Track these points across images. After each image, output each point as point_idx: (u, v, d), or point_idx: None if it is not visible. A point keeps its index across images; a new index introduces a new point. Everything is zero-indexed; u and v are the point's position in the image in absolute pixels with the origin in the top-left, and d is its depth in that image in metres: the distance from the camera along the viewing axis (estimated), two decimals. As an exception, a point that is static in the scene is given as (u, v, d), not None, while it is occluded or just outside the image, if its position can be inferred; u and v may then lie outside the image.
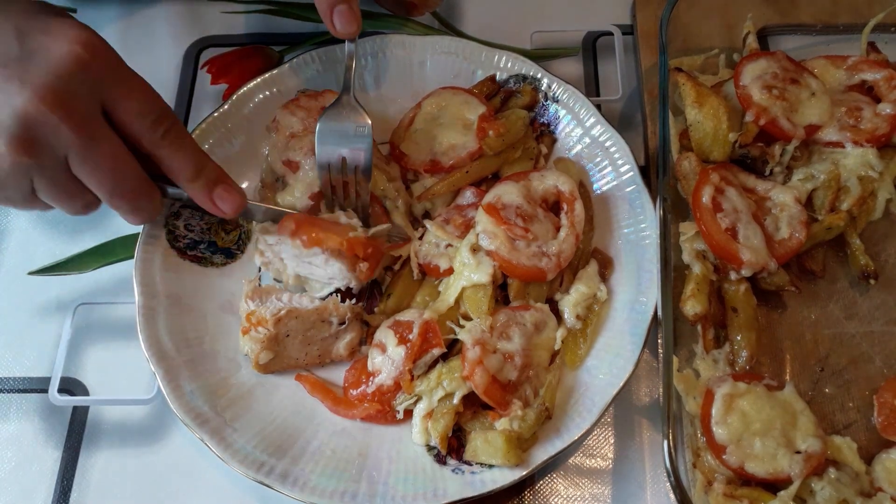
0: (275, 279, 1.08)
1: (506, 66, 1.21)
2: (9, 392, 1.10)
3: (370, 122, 1.05)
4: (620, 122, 1.27)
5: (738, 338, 1.02)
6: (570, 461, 1.03)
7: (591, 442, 1.04)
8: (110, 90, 0.85)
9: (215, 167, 0.97)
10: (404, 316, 1.04)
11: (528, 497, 1.01)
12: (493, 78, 1.21)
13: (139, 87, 0.88)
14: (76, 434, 1.07)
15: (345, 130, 1.05)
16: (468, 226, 1.07)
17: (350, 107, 1.06)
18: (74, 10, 1.41)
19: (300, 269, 1.05)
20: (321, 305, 1.03)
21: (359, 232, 1.04)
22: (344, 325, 1.04)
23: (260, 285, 1.06)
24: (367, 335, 1.08)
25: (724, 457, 0.91)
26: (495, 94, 1.20)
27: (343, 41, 1.12)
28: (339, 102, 1.07)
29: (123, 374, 1.10)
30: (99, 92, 0.84)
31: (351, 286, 1.06)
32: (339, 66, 1.21)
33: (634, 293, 1.04)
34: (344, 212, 1.07)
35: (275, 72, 1.19)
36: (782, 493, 0.90)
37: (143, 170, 0.90)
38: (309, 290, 1.07)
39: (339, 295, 1.06)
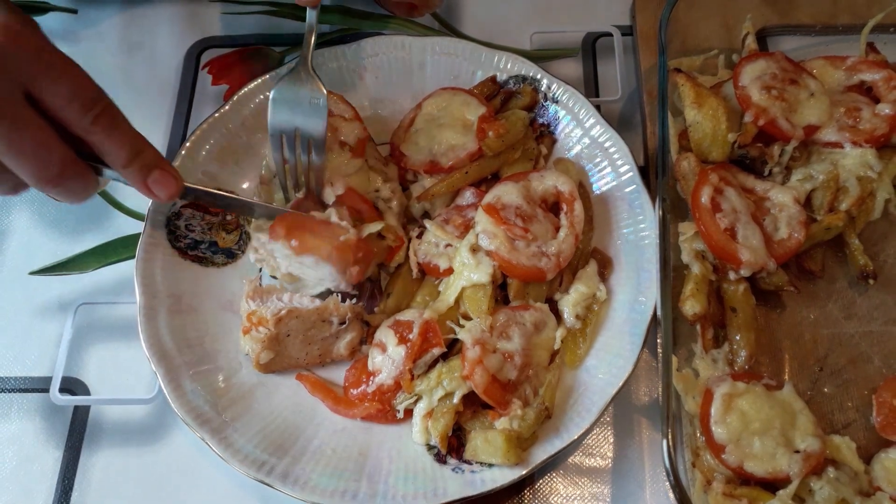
0: (271, 275, 1.09)
1: (505, 66, 1.21)
2: (10, 392, 1.11)
3: (326, 93, 1.05)
4: (620, 123, 1.27)
5: (738, 337, 1.02)
6: (570, 460, 1.03)
7: (590, 441, 1.04)
8: (34, 75, 0.82)
9: (152, 152, 0.94)
10: (404, 316, 1.04)
11: (528, 496, 1.01)
12: (493, 78, 1.21)
13: (67, 71, 0.85)
14: (77, 433, 1.07)
15: (300, 100, 1.05)
16: (468, 226, 1.07)
17: (307, 76, 1.05)
18: (75, 11, 1.42)
19: (292, 269, 1.05)
20: (322, 305, 1.03)
21: (350, 234, 1.03)
22: (344, 325, 1.05)
23: (261, 285, 1.06)
24: (367, 335, 1.08)
25: (723, 456, 0.92)
26: (496, 94, 1.21)
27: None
28: (295, 71, 1.06)
29: (124, 374, 1.10)
30: (20, 76, 0.81)
31: (341, 288, 1.06)
32: (340, 67, 1.22)
33: (634, 293, 1.05)
34: (335, 209, 1.06)
35: (275, 72, 1.19)
36: (781, 492, 0.90)
37: (78, 151, 0.88)
38: (302, 288, 1.07)
39: (339, 295, 1.06)
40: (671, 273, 0.97)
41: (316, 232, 1.03)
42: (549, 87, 1.19)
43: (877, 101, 1.13)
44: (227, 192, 1.12)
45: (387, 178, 1.13)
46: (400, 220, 1.12)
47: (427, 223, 1.10)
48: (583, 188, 1.12)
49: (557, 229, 1.06)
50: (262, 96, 1.19)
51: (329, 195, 1.07)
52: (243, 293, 1.05)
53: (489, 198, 1.06)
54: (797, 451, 0.91)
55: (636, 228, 1.09)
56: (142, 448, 1.06)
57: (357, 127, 1.12)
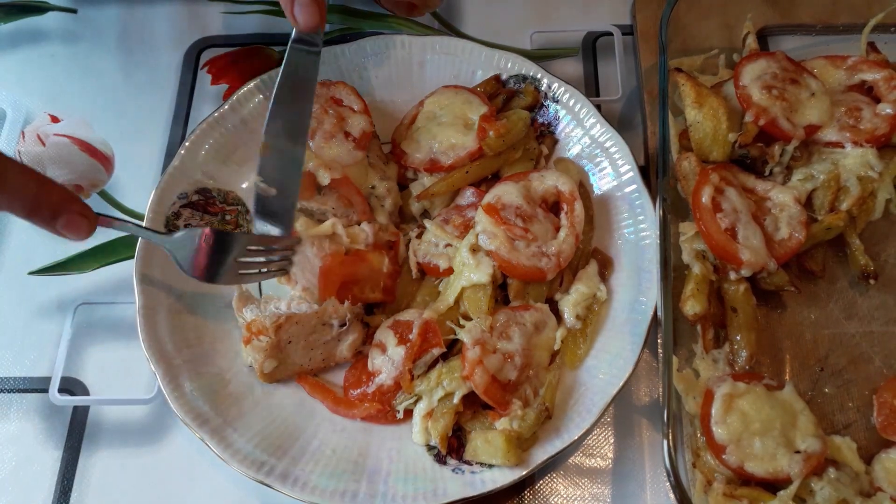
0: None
1: (506, 66, 1.21)
2: (9, 392, 1.10)
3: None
4: (620, 123, 1.27)
5: (738, 338, 1.02)
6: (570, 461, 1.03)
7: (590, 442, 1.04)
8: None
9: (56, 195, 0.87)
10: (404, 316, 1.04)
11: (528, 497, 1.01)
12: (497, 77, 1.21)
13: None
14: (76, 434, 1.07)
15: None
16: (468, 226, 1.07)
17: None
18: (75, 11, 1.42)
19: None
20: (320, 309, 1.02)
21: (385, 263, 1.06)
22: (345, 327, 1.04)
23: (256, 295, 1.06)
24: (367, 335, 1.08)
25: (723, 456, 0.92)
26: (498, 93, 1.20)
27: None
28: None
29: (124, 374, 1.10)
30: None
31: None
32: (340, 67, 1.22)
33: (634, 293, 1.04)
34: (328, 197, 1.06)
35: (274, 72, 1.19)
36: (782, 492, 0.90)
37: None
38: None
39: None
40: (672, 273, 0.97)
41: (353, 278, 1.04)
42: (549, 87, 1.19)
43: (877, 100, 1.13)
44: (226, 190, 1.13)
45: (384, 177, 1.13)
46: (391, 220, 1.12)
47: (427, 223, 1.10)
48: (583, 188, 1.12)
49: (558, 229, 1.06)
50: (261, 96, 1.18)
51: (323, 177, 1.06)
52: (234, 306, 1.04)
53: (489, 198, 1.06)
54: (798, 452, 0.91)
55: (637, 228, 1.09)
56: (141, 448, 1.05)
57: (363, 120, 1.12)
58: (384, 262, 1.07)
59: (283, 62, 1.01)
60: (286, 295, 1.05)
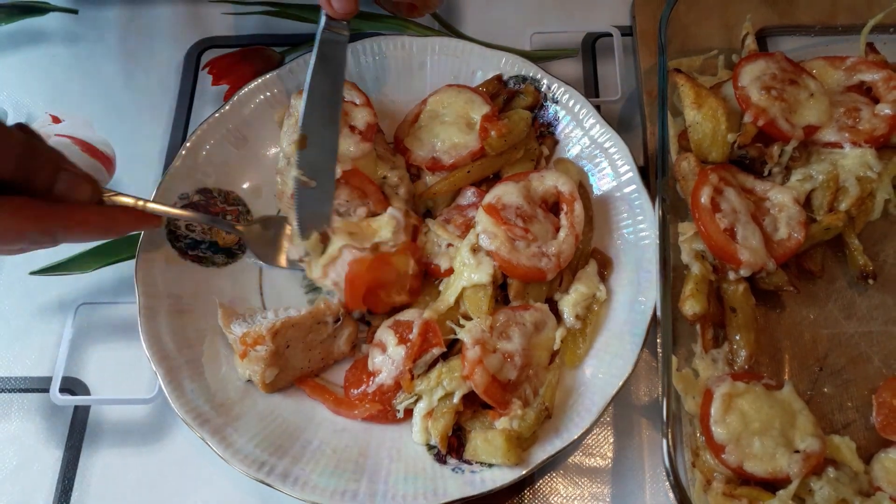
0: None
1: (505, 67, 1.21)
2: (10, 391, 1.11)
3: None
4: (620, 123, 1.27)
5: (737, 337, 1.02)
6: (570, 460, 1.03)
7: (590, 441, 1.04)
8: None
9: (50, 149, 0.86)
10: (404, 316, 1.04)
11: (528, 496, 1.01)
12: (499, 77, 1.21)
13: None
14: (77, 433, 1.07)
15: None
16: (468, 226, 1.07)
17: None
18: (76, 11, 1.42)
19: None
20: (314, 308, 1.03)
21: (411, 265, 1.06)
22: (339, 322, 1.04)
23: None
24: (367, 335, 1.08)
25: (723, 456, 0.92)
26: (499, 94, 1.21)
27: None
28: None
29: (125, 374, 1.10)
30: None
31: None
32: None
33: (634, 293, 1.05)
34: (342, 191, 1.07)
35: (275, 73, 1.19)
36: (781, 492, 0.90)
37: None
38: None
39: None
40: (671, 273, 0.97)
41: (379, 282, 1.04)
42: (549, 88, 1.19)
43: (876, 101, 1.14)
44: (227, 190, 1.17)
45: (394, 166, 1.13)
46: (407, 205, 1.12)
47: (428, 222, 1.10)
48: (583, 188, 1.12)
49: (557, 229, 1.06)
50: (262, 96, 1.19)
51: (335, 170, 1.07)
52: (220, 323, 1.05)
53: (489, 198, 1.06)
54: (797, 451, 0.91)
55: (636, 228, 1.09)
56: (142, 448, 1.06)
57: (367, 113, 1.12)
58: (409, 263, 1.06)
59: (315, 51, 1.03)
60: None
